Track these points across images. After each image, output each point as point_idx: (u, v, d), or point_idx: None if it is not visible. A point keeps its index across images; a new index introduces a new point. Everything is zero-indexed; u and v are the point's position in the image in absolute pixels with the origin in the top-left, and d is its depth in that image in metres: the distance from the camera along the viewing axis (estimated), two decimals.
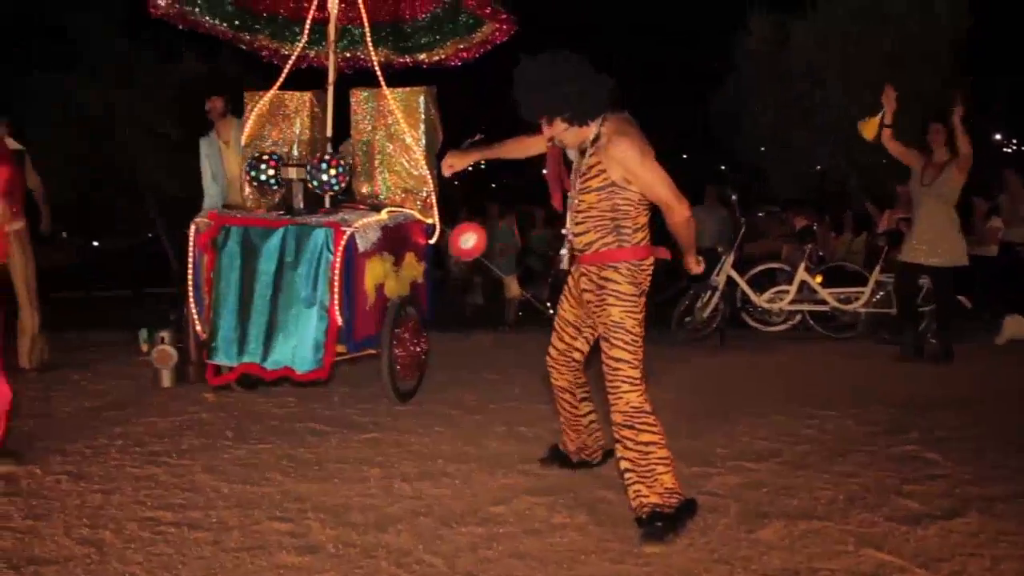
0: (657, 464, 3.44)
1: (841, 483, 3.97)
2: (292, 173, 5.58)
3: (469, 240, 4.65)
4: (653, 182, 3.45)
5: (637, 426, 3.43)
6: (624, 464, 3.48)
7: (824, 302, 8.49)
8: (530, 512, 3.66)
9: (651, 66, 26.46)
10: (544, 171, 3.90)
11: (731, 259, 8.58)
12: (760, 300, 8.60)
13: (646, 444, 3.43)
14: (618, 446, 3.49)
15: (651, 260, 3.59)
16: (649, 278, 3.59)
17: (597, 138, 3.49)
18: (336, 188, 5.53)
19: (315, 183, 5.47)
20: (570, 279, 3.81)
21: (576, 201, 3.60)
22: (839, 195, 15.52)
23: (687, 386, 6.08)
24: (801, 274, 8.54)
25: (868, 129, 6.92)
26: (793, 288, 8.53)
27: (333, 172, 5.46)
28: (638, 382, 3.47)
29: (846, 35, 14.83)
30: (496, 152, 4.17)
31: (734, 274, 8.58)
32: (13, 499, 3.80)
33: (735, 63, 16.87)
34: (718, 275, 8.56)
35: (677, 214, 3.50)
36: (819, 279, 8.70)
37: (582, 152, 3.59)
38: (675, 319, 8.49)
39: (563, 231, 3.71)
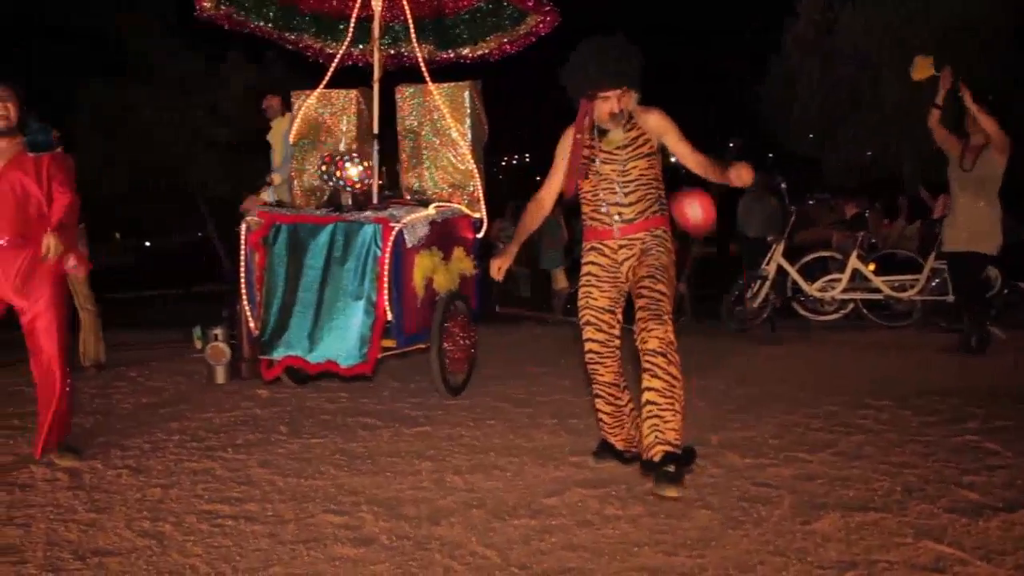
0: (678, 401, 3.66)
1: (898, 474, 3.89)
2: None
3: (695, 210, 4.08)
4: (687, 143, 3.86)
5: (669, 355, 3.64)
6: (649, 395, 3.65)
7: (877, 290, 8.34)
8: (582, 504, 3.65)
9: (697, 52, 26.17)
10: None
11: (781, 248, 8.48)
12: (811, 289, 8.48)
13: (674, 377, 3.64)
14: (647, 375, 3.65)
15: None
16: None
17: (631, 115, 3.87)
18: (361, 184, 5.52)
19: (340, 181, 5.47)
20: (594, 266, 3.95)
21: (624, 171, 3.87)
22: (891, 181, 15.22)
23: (738, 376, 6.02)
24: (853, 262, 8.39)
25: (920, 69, 6.65)
26: (845, 276, 8.39)
27: (360, 168, 5.46)
28: (671, 319, 3.73)
29: (896, 17, 14.51)
30: (523, 232, 4.20)
31: (784, 263, 8.48)
32: (77, 492, 3.89)
33: (782, 48, 16.60)
34: (768, 264, 8.47)
35: (709, 163, 3.84)
36: (872, 267, 8.54)
37: (602, 132, 3.88)
38: (725, 309, 8.42)
39: (605, 208, 3.89)
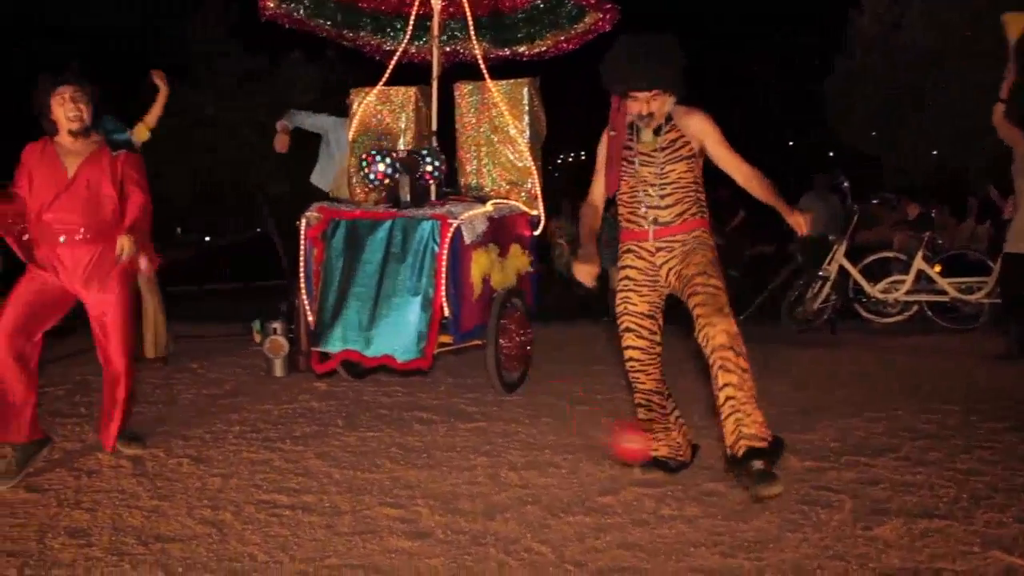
0: (749, 391, 3.49)
1: (965, 481, 3.79)
2: (400, 167, 5.64)
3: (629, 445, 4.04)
4: (730, 149, 3.74)
5: (736, 349, 3.49)
6: (726, 392, 3.48)
7: (944, 292, 8.13)
8: (638, 503, 3.63)
9: (757, 48, 25.79)
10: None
11: (843, 248, 8.32)
12: (874, 290, 8.31)
13: (744, 369, 3.49)
14: (720, 372, 3.48)
15: None
16: None
17: (670, 117, 3.77)
18: (438, 177, 5.56)
19: (417, 174, 5.51)
20: (632, 270, 3.89)
21: (662, 174, 3.78)
22: (958, 181, 14.81)
23: (796, 378, 5.92)
24: (918, 263, 8.20)
25: (1013, 25, 6.29)
26: (910, 278, 8.21)
27: (436, 162, 5.50)
28: (732, 312, 3.60)
29: (962, 15, 14.11)
30: (589, 234, 4.07)
31: (846, 263, 8.32)
32: (140, 480, 3.98)
33: (846, 45, 16.24)
34: (829, 264, 8.32)
35: (759, 184, 3.71)
36: (938, 268, 8.33)
37: (655, 131, 3.77)
38: (784, 309, 8.29)
39: (644, 209, 3.83)
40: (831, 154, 22.13)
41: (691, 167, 3.77)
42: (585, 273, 3.83)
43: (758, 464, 3.39)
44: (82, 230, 4.14)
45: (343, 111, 7.21)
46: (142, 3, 20.10)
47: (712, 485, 3.79)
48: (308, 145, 7.61)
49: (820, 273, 8.37)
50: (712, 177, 3.89)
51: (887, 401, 5.19)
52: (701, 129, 3.75)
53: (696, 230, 3.79)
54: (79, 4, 20.23)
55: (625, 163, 3.86)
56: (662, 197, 3.78)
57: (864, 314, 8.49)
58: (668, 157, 3.76)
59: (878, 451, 4.23)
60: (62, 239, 4.13)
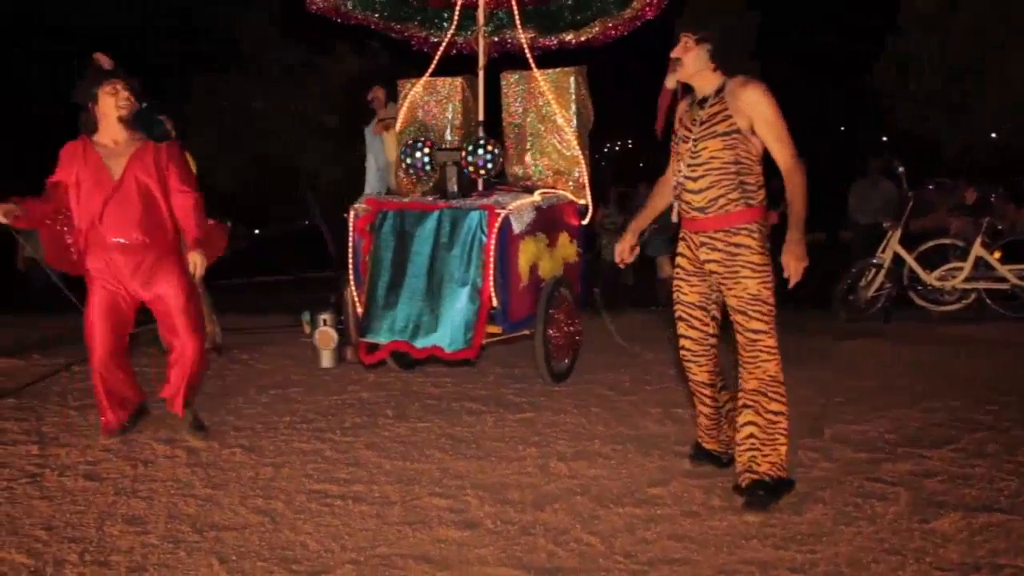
0: (780, 435, 3.46)
1: None
2: (447, 157, 5.65)
3: None
4: (782, 134, 3.40)
5: (770, 394, 3.44)
6: (748, 429, 3.47)
7: (1004, 279, 7.92)
8: (688, 495, 3.60)
9: (808, 30, 25.24)
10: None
11: (897, 235, 8.15)
12: (930, 278, 8.13)
13: (775, 413, 3.44)
14: (747, 411, 3.47)
15: (768, 221, 3.55)
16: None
17: (721, 89, 3.48)
18: (491, 168, 5.55)
19: (470, 161, 5.49)
20: (682, 258, 3.70)
21: (694, 150, 3.51)
22: (1018, 165, 14.42)
23: (850, 367, 5.82)
24: (977, 249, 8.00)
25: None
26: (967, 265, 8.01)
27: (489, 152, 5.48)
28: (775, 351, 3.44)
29: None
30: (649, 212, 3.92)
31: (901, 250, 8.15)
32: (195, 469, 4.05)
33: (900, 25, 15.87)
34: (883, 252, 8.16)
35: (798, 181, 3.40)
36: (998, 255, 8.12)
37: (700, 104, 3.54)
38: (837, 297, 8.15)
39: (674, 181, 3.63)
40: (884, 139, 21.69)
41: (730, 145, 3.41)
42: (620, 250, 3.85)
43: (760, 493, 3.43)
44: (135, 234, 4.19)
45: (369, 112, 7.27)
46: None
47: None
48: (359, 136, 7.71)
49: (873, 261, 8.21)
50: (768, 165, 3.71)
51: (944, 391, 5.08)
52: (751, 102, 3.37)
53: (742, 229, 3.43)
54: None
55: (676, 137, 3.67)
56: (693, 179, 3.50)
57: (920, 302, 8.30)
58: (703, 132, 3.46)
59: (935, 443, 4.14)
60: (116, 243, 4.19)
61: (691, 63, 3.49)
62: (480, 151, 5.48)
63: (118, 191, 4.17)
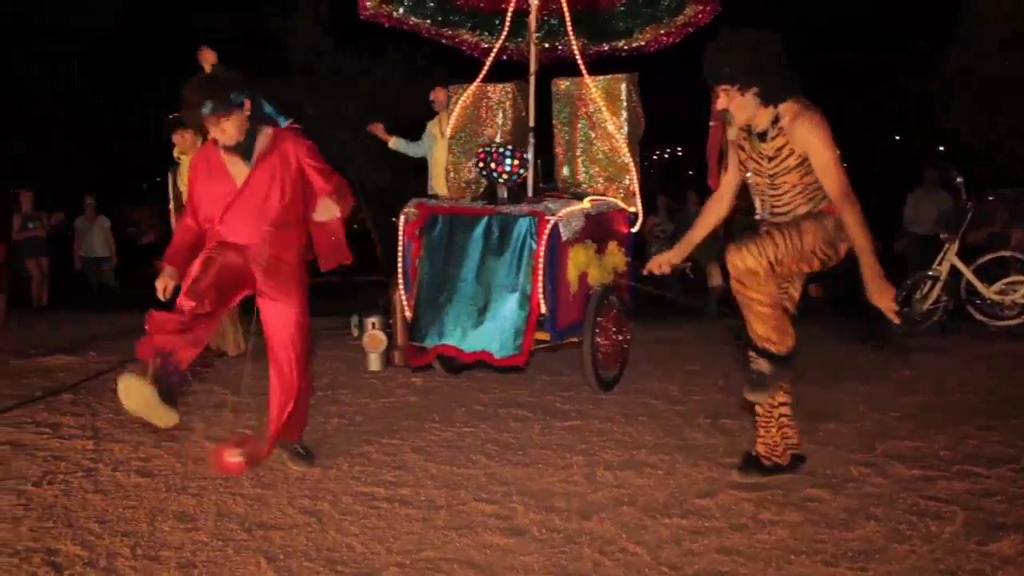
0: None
1: None
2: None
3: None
4: (830, 165, 3.41)
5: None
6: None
7: None
8: (736, 507, 3.55)
9: (862, 33, 24.72)
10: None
11: (955, 247, 7.97)
12: (989, 292, 7.92)
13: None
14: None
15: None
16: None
17: (777, 119, 3.49)
18: (515, 178, 5.50)
19: (495, 173, 5.47)
20: None
21: (773, 186, 3.59)
22: None
23: (904, 382, 5.70)
24: None
25: None
26: None
27: (514, 160, 5.45)
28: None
29: None
30: (700, 229, 3.99)
31: (959, 263, 7.96)
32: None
33: (960, 27, 15.45)
34: (940, 264, 7.98)
35: (849, 212, 3.38)
36: None
37: (761, 137, 3.56)
38: None
39: (757, 216, 3.72)
40: (941, 148, 21.23)
41: (804, 172, 3.50)
42: (656, 262, 3.96)
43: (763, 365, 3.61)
44: (255, 237, 3.88)
45: (431, 112, 7.34)
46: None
47: (814, 491, 3.69)
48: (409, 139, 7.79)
49: (930, 273, 8.03)
50: None
51: (1003, 409, 4.95)
52: (804, 141, 3.43)
53: (827, 213, 3.52)
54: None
55: (742, 165, 3.72)
56: (779, 207, 3.61)
57: (978, 316, 8.10)
58: (776, 168, 3.54)
59: (993, 461, 4.04)
60: (237, 243, 3.89)
61: (740, 111, 3.52)
62: (508, 161, 5.43)
63: (239, 198, 3.86)
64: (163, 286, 3.81)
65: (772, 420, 3.88)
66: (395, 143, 7.99)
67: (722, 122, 3.75)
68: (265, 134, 3.91)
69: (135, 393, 3.44)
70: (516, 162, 5.40)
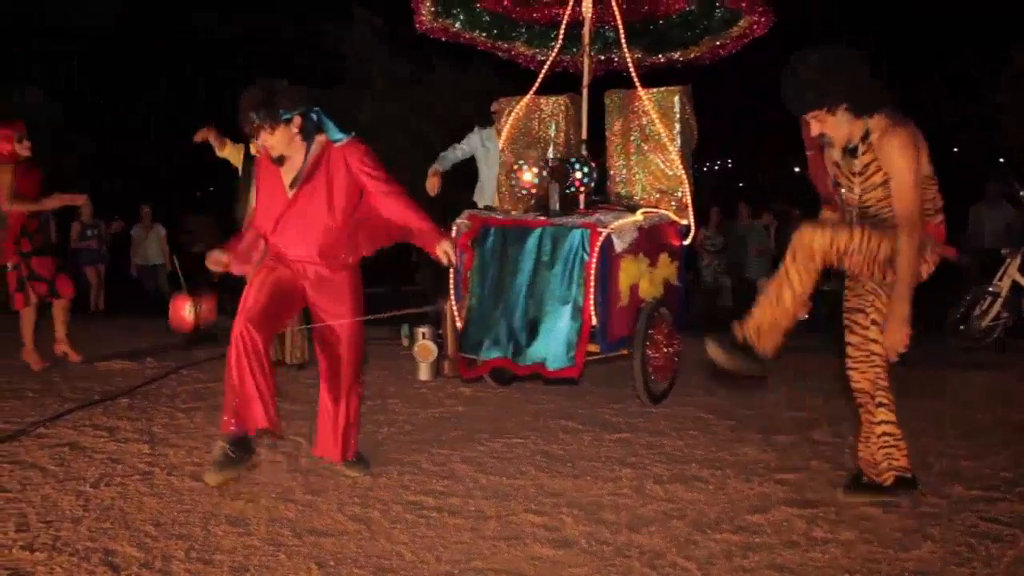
0: (885, 434, 3.64)
1: None
2: (550, 175, 5.64)
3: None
4: (905, 188, 3.34)
5: (878, 397, 3.64)
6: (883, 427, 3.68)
7: None
8: (788, 524, 3.50)
9: (925, 46, 24.27)
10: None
11: (1017, 262, 7.78)
12: None
13: (880, 421, 3.65)
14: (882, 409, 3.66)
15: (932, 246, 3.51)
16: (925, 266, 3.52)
17: (867, 135, 3.43)
18: (589, 185, 5.54)
19: (567, 182, 5.51)
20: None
21: (861, 202, 3.54)
22: None
23: (962, 399, 5.57)
24: None
25: None
26: None
27: (586, 170, 5.49)
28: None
29: None
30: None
31: (1021, 279, 7.78)
32: (295, 475, 4.14)
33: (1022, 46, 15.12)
34: (1001, 280, 7.81)
35: (906, 239, 3.32)
36: None
37: (851, 152, 3.50)
38: (949, 326, 7.83)
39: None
40: (1001, 160, 20.75)
41: (889, 193, 3.42)
42: None
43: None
44: (309, 252, 3.93)
45: (489, 119, 7.33)
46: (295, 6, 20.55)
47: (869, 510, 3.62)
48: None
49: (990, 289, 7.86)
50: None
51: None
52: (888, 160, 3.35)
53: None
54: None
55: (836, 183, 3.67)
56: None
57: None
58: (864, 184, 3.48)
59: None
60: (290, 255, 3.96)
61: (837, 131, 3.47)
62: (579, 171, 5.48)
63: (289, 210, 3.90)
64: (215, 260, 3.96)
65: (872, 438, 3.72)
66: (444, 163, 7.49)
67: (819, 148, 3.69)
68: (318, 148, 3.93)
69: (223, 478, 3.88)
70: (587, 169, 5.45)
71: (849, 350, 3.72)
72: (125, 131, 21.89)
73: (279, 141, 3.83)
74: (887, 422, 3.67)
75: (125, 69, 22.42)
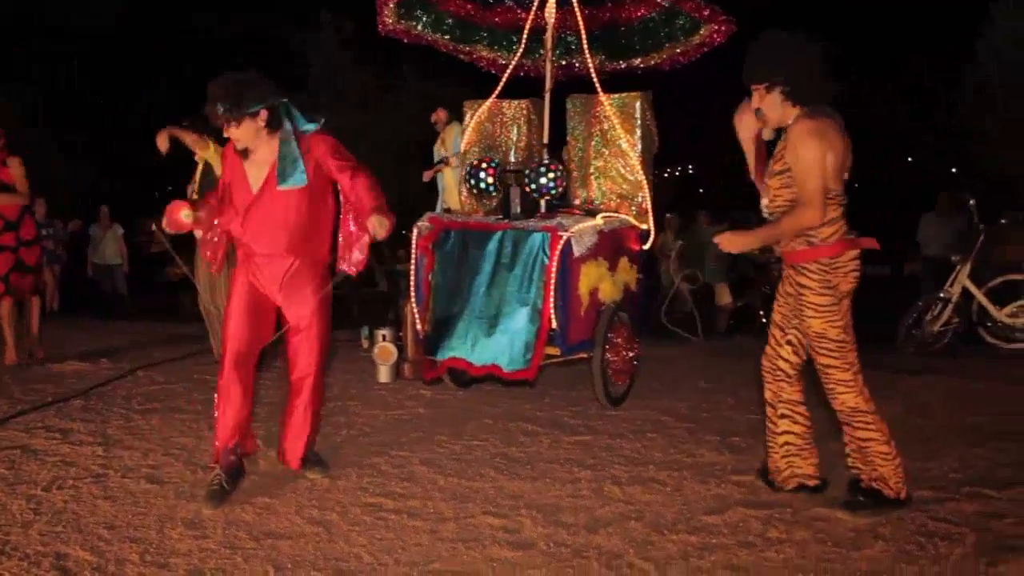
0: (875, 457, 3.59)
1: None
2: (511, 179, 5.68)
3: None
4: (801, 176, 3.40)
5: (854, 423, 3.59)
6: (848, 450, 3.71)
7: None
8: (744, 524, 3.54)
9: (882, 60, 24.71)
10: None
11: (967, 269, 7.96)
12: (1000, 314, 7.91)
13: (864, 440, 3.59)
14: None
15: (850, 255, 3.54)
16: (851, 275, 3.54)
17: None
18: (554, 192, 5.59)
19: (533, 187, 5.55)
20: (782, 279, 3.78)
21: (770, 208, 3.66)
22: None
23: (914, 403, 5.67)
24: None
25: None
26: None
27: (552, 175, 5.52)
28: (852, 384, 3.55)
29: None
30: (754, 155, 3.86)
31: (970, 285, 7.95)
32: (252, 478, 4.10)
33: (976, 55, 15.43)
34: (951, 286, 7.97)
35: (799, 216, 3.43)
36: None
37: (773, 145, 3.65)
38: (902, 331, 7.98)
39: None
40: (954, 171, 21.19)
41: (785, 184, 3.52)
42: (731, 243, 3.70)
43: (861, 499, 3.64)
44: (275, 246, 3.89)
45: (435, 133, 7.41)
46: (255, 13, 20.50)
47: (823, 510, 3.67)
48: (424, 154, 7.84)
49: (941, 295, 8.03)
50: None
51: (1013, 431, 4.92)
52: (791, 143, 3.45)
53: (801, 267, 3.55)
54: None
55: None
56: (770, 215, 3.66)
57: (989, 339, 8.08)
58: (769, 170, 3.62)
59: (1004, 483, 4.01)
60: (257, 250, 3.92)
61: (770, 111, 3.55)
62: (543, 177, 5.50)
63: (256, 204, 3.86)
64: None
65: (775, 448, 3.88)
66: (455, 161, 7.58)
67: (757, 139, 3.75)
68: (286, 142, 3.88)
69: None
70: (553, 175, 5.47)
71: (764, 359, 3.87)
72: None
73: (244, 134, 3.79)
74: (789, 432, 3.81)
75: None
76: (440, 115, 8.08)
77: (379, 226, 3.73)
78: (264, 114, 3.80)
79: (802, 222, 3.43)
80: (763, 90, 3.51)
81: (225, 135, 3.84)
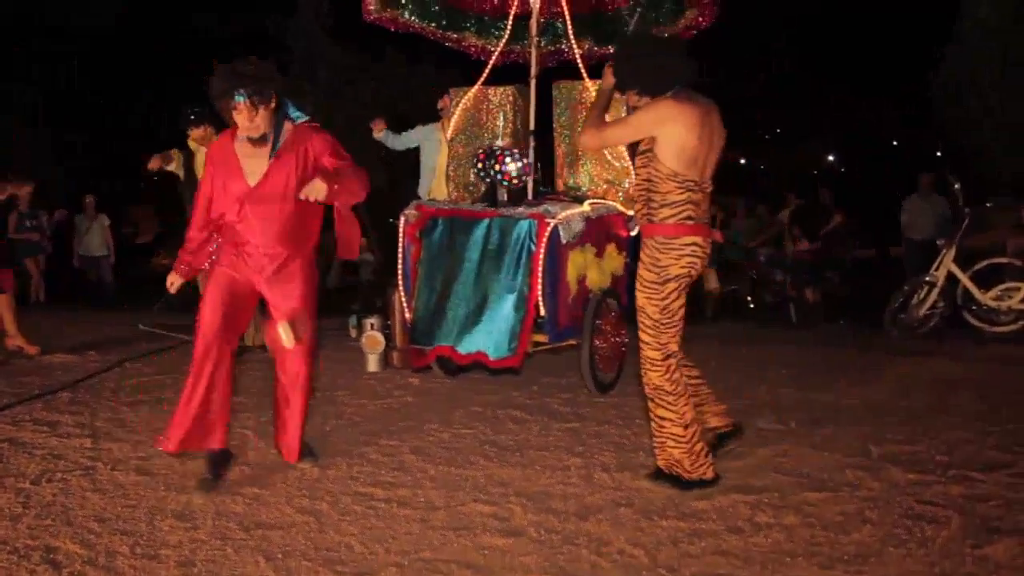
0: (668, 439, 3.79)
1: None
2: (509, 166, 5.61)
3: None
4: (627, 119, 3.89)
5: (656, 400, 3.80)
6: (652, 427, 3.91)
7: None
8: (733, 510, 3.57)
9: (860, 40, 24.67)
10: None
11: (952, 253, 8.00)
12: (985, 298, 7.96)
13: (660, 418, 3.80)
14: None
15: (685, 241, 3.70)
16: (684, 260, 3.70)
17: None
18: (522, 181, 5.50)
19: (498, 176, 5.46)
20: None
21: (636, 190, 3.93)
22: None
23: (900, 387, 5.72)
24: None
25: None
26: None
27: (518, 165, 5.45)
28: (659, 365, 3.76)
29: None
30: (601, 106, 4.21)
31: (955, 269, 8.00)
32: (242, 468, 4.11)
33: (960, 36, 15.40)
34: (937, 270, 8.01)
35: (584, 130, 3.95)
36: None
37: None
38: (888, 315, 8.02)
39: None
40: (938, 154, 21.23)
41: (643, 163, 3.78)
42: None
43: (669, 478, 3.84)
44: (267, 241, 3.84)
45: (436, 116, 7.33)
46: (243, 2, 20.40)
47: (811, 495, 3.70)
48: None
49: (926, 279, 8.07)
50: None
51: (998, 414, 4.97)
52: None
53: (645, 240, 3.81)
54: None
55: None
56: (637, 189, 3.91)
57: (974, 322, 8.13)
58: (638, 155, 3.85)
59: (989, 466, 4.05)
60: (249, 239, 3.86)
61: (638, 103, 3.83)
62: (507, 164, 5.41)
63: (251, 199, 3.80)
64: (172, 282, 4.04)
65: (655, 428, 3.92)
66: (381, 135, 7.68)
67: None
68: (287, 130, 3.85)
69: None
70: (520, 165, 5.41)
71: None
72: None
73: (263, 119, 3.73)
74: (662, 417, 3.84)
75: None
76: (446, 101, 7.84)
77: (310, 189, 3.63)
78: (275, 97, 3.78)
79: (583, 135, 3.97)
80: (633, 96, 3.84)
81: (241, 125, 3.74)
